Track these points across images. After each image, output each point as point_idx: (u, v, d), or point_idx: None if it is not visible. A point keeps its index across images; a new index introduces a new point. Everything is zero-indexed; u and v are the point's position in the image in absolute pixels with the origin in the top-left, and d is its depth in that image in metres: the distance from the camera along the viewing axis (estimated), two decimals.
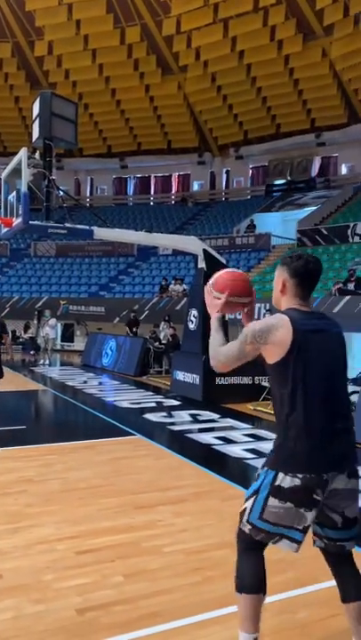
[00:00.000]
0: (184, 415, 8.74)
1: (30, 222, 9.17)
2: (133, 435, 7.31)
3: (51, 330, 17.14)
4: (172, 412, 8.96)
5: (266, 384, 9.62)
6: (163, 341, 15.13)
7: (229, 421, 8.22)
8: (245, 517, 2.33)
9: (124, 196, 33.38)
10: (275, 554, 3.43)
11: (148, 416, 8.64)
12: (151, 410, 9.23)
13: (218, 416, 8.61)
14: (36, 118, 9.78)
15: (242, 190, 30.61)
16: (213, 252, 10.94)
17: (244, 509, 2.35)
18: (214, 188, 31.46)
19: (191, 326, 10.74)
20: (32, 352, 19.19)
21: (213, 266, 10.63)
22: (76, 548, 3.70)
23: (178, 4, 24.30)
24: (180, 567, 3.46)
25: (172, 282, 21.03)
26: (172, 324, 15.82)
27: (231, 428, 7.81)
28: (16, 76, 28.86)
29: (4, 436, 7.29)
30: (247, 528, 2.32)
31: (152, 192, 33.27)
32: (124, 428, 7.73)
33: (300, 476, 2.19)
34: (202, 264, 10.69)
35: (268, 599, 3.01)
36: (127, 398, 10.40)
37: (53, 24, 26.21)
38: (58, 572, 3.36)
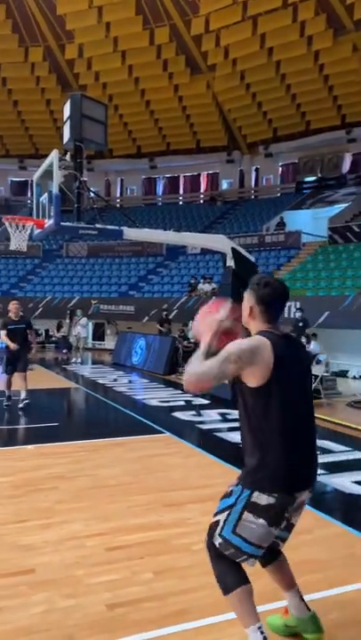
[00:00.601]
0: (213, 414, 8.73)
1: (62, 224, 9.29)
2: (163, 433, 7.35)
3: (82, 329, 17.37)
4: (202, 411, 8.97)
5: None
6: (192, 340, 15.14)
7: None
8: (218, 531, 2.38)
9: (153, 196, 33.53)
10: (301, 555, 3.41)
11: (178, 414, 8.67)
12: (180, 408, 9.26)
13: None
14: (66, 120, 9.90)
15: (271, 188, 30.37)
16: (242, 251, 10.89)
17: (217, 522, 2.40)
18: (243, 187, 31.31)
19: None
20: (64, 350, 19.45)
21: (242, 264, 10.60)
22: (106, 545, 3.75)
23: (206, 3, 24.25)
24: (208, 565, 3.43)
25: (201, 281, 21.03)
26: None
27: None
28: (47, 79, 29.28)
29: (36, 432, 7.43)
30: (218, 542, 2.38)
31: (181, 191, 33.32)
32: (154, 425, 7.77)
33: (275, 495, 2.27)
34: (230, 262, 10.65)
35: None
36: (157, 396, 10.46)
37: (83, 27, 26.49)
38: (88, 568, 3.41)
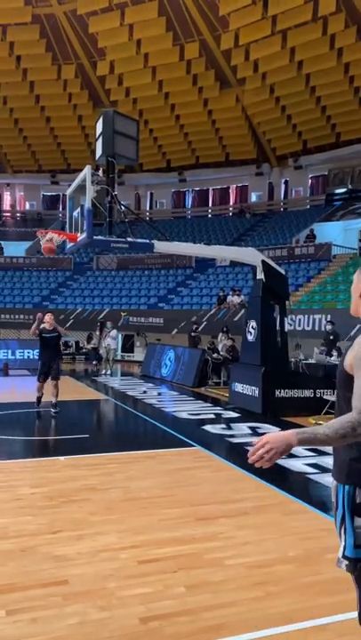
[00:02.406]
0: (243, 427, 8.68)
1: (94, 237, 9.44)
2: (193, 446, 7.34)
3: (112, 341, 17.50)
4: (231, 424, 8.92)
5: (328, 397, 9.41)
6: (221, 353, 15.12)
7: None
8: (340, 554, 2.08)
9: (182, 209, 33.76)
10: (332, 573, 3.36)
11: (208, 427, 8.65)
12: (210, 421, 9.23)
13: (278, 429, 8.47)
14: (99, 136, 10.08)
15: (301, 200, 30.25)
16: (272, 263, 10.86)
17: (340, 547, 2.10)
18: (272, 199, 31.27)
19: (250, 338, 10.68)
20: (94, 362, 19.61)
21: (272, 277, 10.57)
22: (139, 558, 3.76)
23: (236, 18, 24.48)
24: (242, 580, 3.45)
25: (230, 293, 21.01)
26: (230, 336, 15.78)
27: None
28: (79, 95, 29.92)
29: (68, 444, 7.51)
30: (344, 565, 2.07)
31: (210, 204, 33.46)
32: (184, 439, 7.77)
33: None
34: (260, 275, 10.63)
35: (331, 619, 2.97)
36: (186, 409, 10.45)
37: (115, 44, 27.03)
38: (121, 581, 3.42)
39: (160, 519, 4.52)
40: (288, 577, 3.50)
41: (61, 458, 6.58)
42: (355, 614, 2.99)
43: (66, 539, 4.07)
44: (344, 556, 2.04)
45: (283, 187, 31.01)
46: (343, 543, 2.05)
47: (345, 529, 2.03)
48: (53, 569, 3.56)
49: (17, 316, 23.74)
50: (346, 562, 2.05)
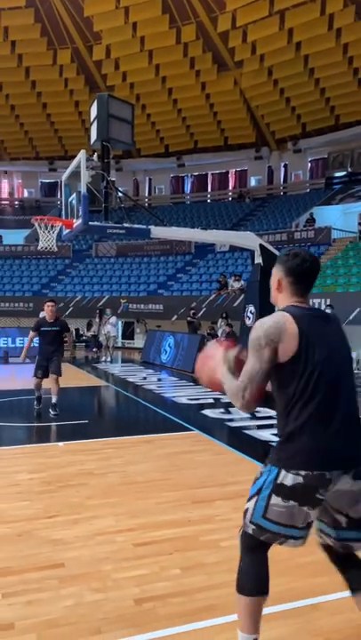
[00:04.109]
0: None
1: (90, 223, 9.38)
2: (192, 430, 7.36)
3: (112, 328, 17.51)
4: (230, 409, 8.94)
5: None
6: (220, 338, 15.11)
7: None
8: (248, 518, 2.29)
9: (181, 194, 33.56)
10: (319, 554, 3.38)
11: (207, 412, 8.67)
12: (209, 406, 9.25)
13: (275, 412, 8.49)
14: (93, 121, 9.98)
15: (300, 184, 30.05)
16: (270, 247, 10.82)
17: (247, 509, 2.31)
18: (272, 183, 31.07)
19: (248, 322, 10.67)
20: (94, 349, 19.65)
21: (270, 261, 10.51)
22: (135, 540, 3.78)
23: None
24: (236, 562, 3.42)
25: (231, 278, 20.96)
26: (229, 321, 15.77)
27: None
28: (75, 80, 29.60)
29: (67, 429, 7.53)
30: (250, 529, 2.28)
31: (209, 189, 33.25)
32: (183, 423, 7.79)
33: (302, 473, 2.14)
34: (258, 259, 10.59)
35: (328, 597, 2.99)
36: (185, 394, 10.47)
37: (111, 28, 26.68)
38: (117, 563, 3.44)
39: (157, 502, 4.54)
40: (282, 558, 3.50)
41: (60, 444, 6.60)
42: (347, 593, 3.02)
43: (62, 523, 4.08)
44: (251, 522, 2.27)
45: (282, 170, 30.80)
46: (252, 509, 2.27)
47: (258, 498, 2.24)
48: (50, 552, 3.58)
49: (16, 305, 23.73)
50: (253, 526, 2.27)
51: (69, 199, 10.33)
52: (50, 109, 30.74)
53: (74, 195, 10.02)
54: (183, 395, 10.43)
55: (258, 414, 8.45)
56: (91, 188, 9.33)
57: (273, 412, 8.73)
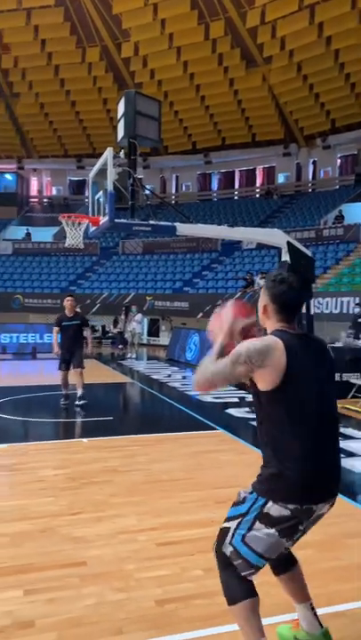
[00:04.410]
0: None
1: (116, 220, 9.38)
2: (216, 429, 7.31)
3: (137, 325, 17.57)
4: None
5: (355, 381, 9.25)
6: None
7: None
8: (228, 539, 2.25)
9: (208, 191, 33.44)
10: (351, 559, 3.28)
11: (231, 411, 8.61)
12: (234, 405, 9.19)
13: None
14: (121, 118, 9.95)
15: (329, 180, 29.62)
16: (297, 244, 10.63)
17: (227, 529, 2.27)
18: (300, 180, 30.70)
19: None
20: (120, 346, 19.75)
21: (298, 258, 10.35)
22: (157, 540, 3.75)
23: None
24: None
25: (258, 276, 20.78)
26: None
27: None
28: (104, 78, 29.74)
29: (91, 426, 7.57)
30: (228, 550, 2.25)
31: (236, 186, 33.05)
32: (207, 422, 7.74)
33: (290, 507, 2.14)
34: (286, 257, 10.43)
35: (348, 606, 2.91)
36: (210, 393, 10.42)
37: (139, 25, 26.70)
38: (139, 563, 3.41)
39: (180, 502, 4.51)
40: (307, 562, 3.43)
41: (84, 440, 6.63)
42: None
43: (85, 520, 4.08)
44: (231, 543, 2.23)
45: (311, 167, 30.41)
46: (233, 530, 2.23)
47: (242, 520, 2.22)
48: (72, 550, 3.58)
49: (45, 301, 24.01)
50: (231, 549, 2.22)
51: (96, 197, 10.34)
52: (78, 107, 30.97)
53: (101, 192, 10.03)
54: (208, 393, 10.37)
55: None
56: (117, 185, 9.32)
57: None
